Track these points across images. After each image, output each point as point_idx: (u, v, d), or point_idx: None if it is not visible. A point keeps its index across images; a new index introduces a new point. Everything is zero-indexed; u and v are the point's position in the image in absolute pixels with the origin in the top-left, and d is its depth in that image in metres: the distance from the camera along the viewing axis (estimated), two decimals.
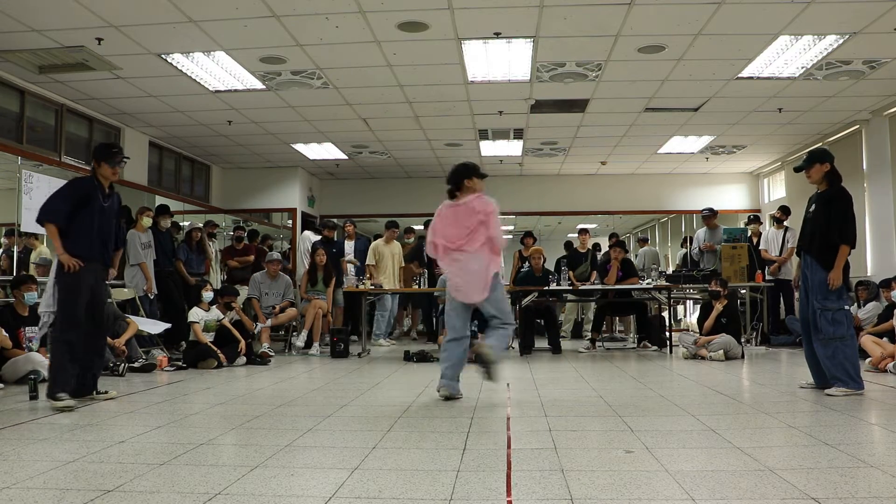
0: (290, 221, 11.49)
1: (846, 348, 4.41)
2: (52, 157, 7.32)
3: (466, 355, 4.57)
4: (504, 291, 4.65)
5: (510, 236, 17.75)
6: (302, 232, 10.45)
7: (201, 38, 5.84)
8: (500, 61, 6.46)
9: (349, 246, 9.55)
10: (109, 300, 6.50)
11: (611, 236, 10.51)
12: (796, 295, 8.27)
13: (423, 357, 6.98)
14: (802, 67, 6.60)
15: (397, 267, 9.15)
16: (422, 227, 9.89)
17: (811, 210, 4.66)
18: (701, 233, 9.55)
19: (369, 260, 8.92)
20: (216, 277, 9.02)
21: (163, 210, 8.22)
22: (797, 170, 4.76)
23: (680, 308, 11.99)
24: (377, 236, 9.60)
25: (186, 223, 9.91)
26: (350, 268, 9.26)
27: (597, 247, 10.49)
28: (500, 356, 4.47)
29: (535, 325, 8.57)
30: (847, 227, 4.44)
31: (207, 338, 6.56)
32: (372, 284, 8.18)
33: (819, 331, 4.46)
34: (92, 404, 4.30)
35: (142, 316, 7.15)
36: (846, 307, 4.54)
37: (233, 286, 7.77)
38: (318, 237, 9.29)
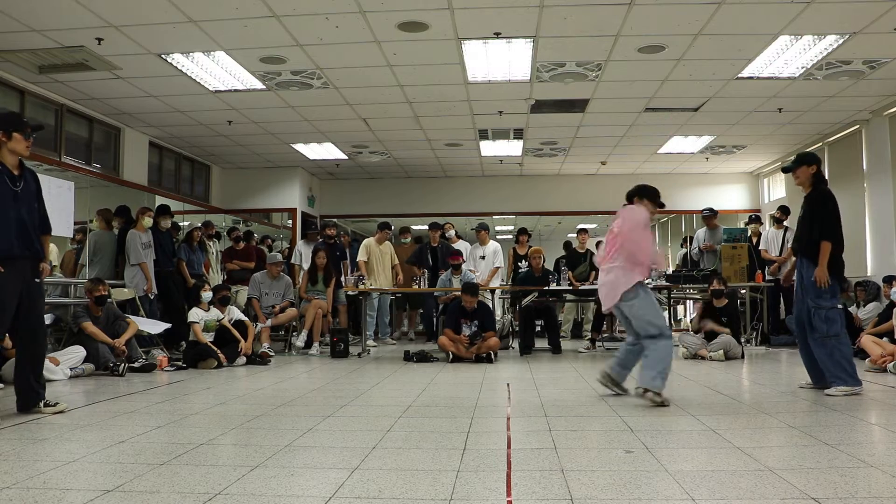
0: (290, 221, 11.49)
1: (842, 346, 4.49)
2: (52, 158, 7.31)
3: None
4: (644, 301, 4.38)
5: (511, 237, 17.74)
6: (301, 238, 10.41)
7: (201, 38, 5.84)
8: (500, 61, 6.46)
9: None
10: (109, 300, 6.51)
11: None
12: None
13: (423, 357, 6.98)
14: (802, 67, 6.60)
15: (388, 267, 9.05)
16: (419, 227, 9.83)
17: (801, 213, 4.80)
18: (701, 233, 9.54)
19: (361, 256, 8.84)
20: (216, 278, 9.02)
21: (163, 210, 8.21)
22: (785, 170, 4.91)
23: (680, 308, 11.99)
24: None
25: (186, 223, 9.91)
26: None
27: (597, 246, 10.44)
28: (654, 381, 4.12)
29: (535, 326, 8.56)
30: (825, 225, 4.53)
31: (207, 338, 6.57)
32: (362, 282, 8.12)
33: (814, 329, 4.55)
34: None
35: (142, 316, 7.15)
36: (839, 305, 4.63)
37: (223, 283, 7.77)
38: (309, 244, 9.25)
